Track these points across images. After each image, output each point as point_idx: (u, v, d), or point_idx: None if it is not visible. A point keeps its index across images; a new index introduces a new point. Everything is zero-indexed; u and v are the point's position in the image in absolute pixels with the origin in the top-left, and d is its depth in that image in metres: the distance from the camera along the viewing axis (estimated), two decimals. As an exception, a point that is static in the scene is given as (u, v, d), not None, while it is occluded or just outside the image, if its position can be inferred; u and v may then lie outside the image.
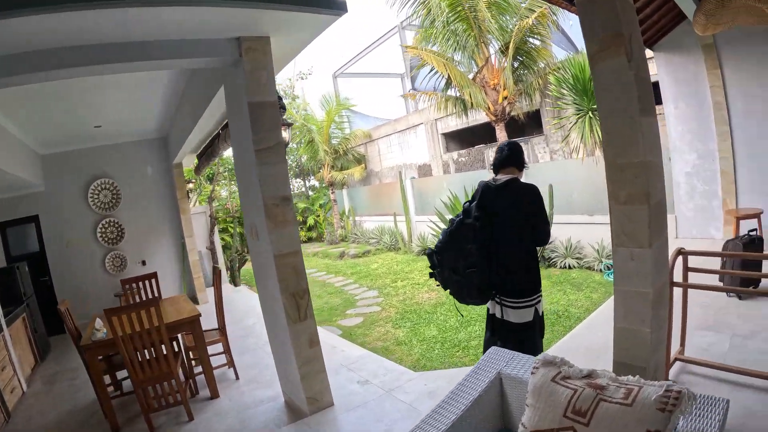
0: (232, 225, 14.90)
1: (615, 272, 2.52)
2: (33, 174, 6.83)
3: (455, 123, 13.61)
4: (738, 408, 2.85)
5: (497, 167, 3.17)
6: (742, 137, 6.52)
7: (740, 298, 4.46)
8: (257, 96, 3.45)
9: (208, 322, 6.54)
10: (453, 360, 5.07)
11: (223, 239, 15.09)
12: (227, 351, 4.82)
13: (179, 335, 4.45)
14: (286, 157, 19.23)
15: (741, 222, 5.75)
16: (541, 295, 3.08)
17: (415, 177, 15.06)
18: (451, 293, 3.19)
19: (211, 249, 10.93)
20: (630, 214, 2.40)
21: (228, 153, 16.06)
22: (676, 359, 3.36)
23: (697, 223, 7.17)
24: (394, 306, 7.65)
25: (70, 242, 7.71)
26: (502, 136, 10.02)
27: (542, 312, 3.15)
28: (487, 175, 11.99)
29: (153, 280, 5.50)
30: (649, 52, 7.37)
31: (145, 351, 3.72)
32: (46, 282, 7.46)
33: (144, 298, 5.33)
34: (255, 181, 3.50)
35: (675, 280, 3.08)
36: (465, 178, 11.67)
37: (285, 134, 4.94)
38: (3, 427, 4.22)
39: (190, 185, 10.44)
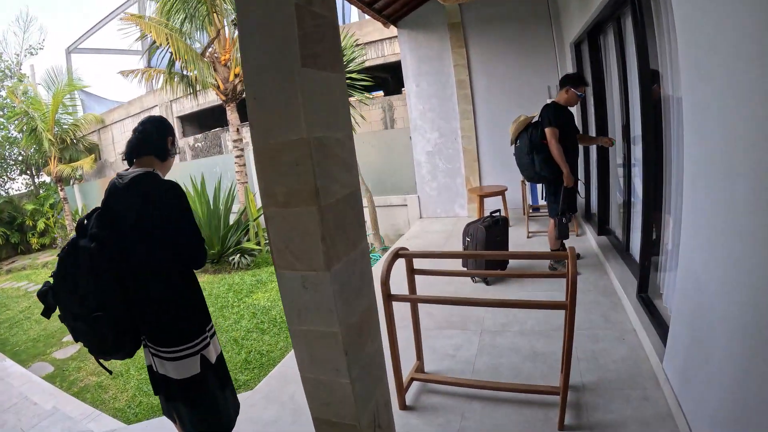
0: None
1: (284, 304, 1.69)
2: None
3: (191, 105, 12.37)
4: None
5: (129, 156, 2.15)
6: (485, 116, 6.57)
7: (487, 283, 4.17)
8: None
9: None
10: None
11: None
12: None
13: None
14: (13, 148, 16.01)
15: (486, 200, 5.70)
16: (208, 336, 2.15)
17: (150, 166, 13.54)
18: (85, 347, 2.10)
19: None
20: (293, 222, 1.55)
21: None
22: (412, 380, 2.77)
23: (441, 202, 7.13)
24: (115, 325, 6.48)
25: None
26: (233, 118, 9.11)
27: (218, 354, 2.23)
28: (224, 161, 11.27)
29: None
30: (393, 30, 7.11)
31: None
32: None
33: None
34: None
35: (396, 288, 2.46)
36: (201, 165, 10.72)
37: None
38: None
39: None
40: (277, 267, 1.64)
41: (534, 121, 4.22)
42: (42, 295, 2.01)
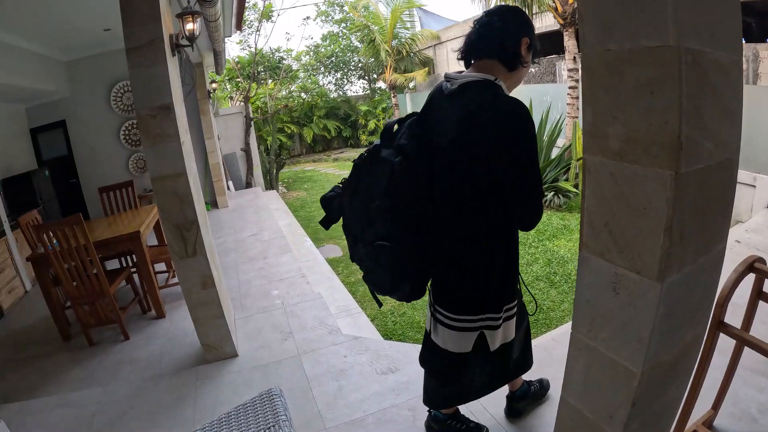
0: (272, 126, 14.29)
1: (576, 299, 1.10)
2: (54, 81, 6.39)
3: (527, 29, 11.44)
4: None
5: (466, 56, 1.56)
6: None
7: None
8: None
9: (215, 229, 6.28)
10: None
11: (279, 139, 14.58)
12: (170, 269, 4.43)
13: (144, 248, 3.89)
14: (354, 55, 18.48)
15: None
16: (502, 317, 1.63)
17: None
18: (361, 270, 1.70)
19: (246, 151, 10.60)
20: (627, 186, 0.93)
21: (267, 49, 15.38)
22: (694, 432, 1.92)
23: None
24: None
25: None
26: (571, 45, 8.01)
27: (505, 343, 1.70)
28: (556, 90, 9.96)
29: (129, 189, 4.86)
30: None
31: (83, 268, 3.36)
32: (74, 184, 7.19)
33: (122, 209, 4.82)
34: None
35: (728, 316, 1.60)
36: (531, 91, 9.85)
37: (190, 26, 3.75)
38: None
39: (214, 85, 9.50)
40: (582, 245, 1.04)
41: None
42: (326, 201, 1.69)
